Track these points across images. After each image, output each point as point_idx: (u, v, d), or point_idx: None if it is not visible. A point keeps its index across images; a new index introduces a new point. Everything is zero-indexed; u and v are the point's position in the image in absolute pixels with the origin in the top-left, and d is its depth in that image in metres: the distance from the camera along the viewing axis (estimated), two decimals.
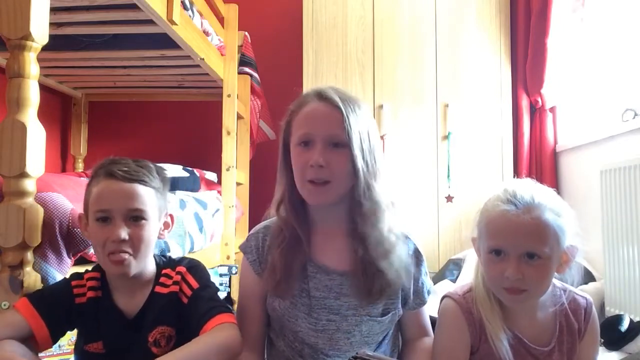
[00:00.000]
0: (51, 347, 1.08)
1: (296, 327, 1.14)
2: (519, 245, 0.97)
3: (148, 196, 1.09)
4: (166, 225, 1.17)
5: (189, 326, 1.07)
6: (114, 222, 1.05)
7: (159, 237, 1.15)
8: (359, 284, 1.11)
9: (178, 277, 1.12)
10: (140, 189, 1.08)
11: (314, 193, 1.10)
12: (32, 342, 1.04)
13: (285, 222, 1.15)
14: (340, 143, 1.08)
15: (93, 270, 1.15)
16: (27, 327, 1.02)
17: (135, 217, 1.06)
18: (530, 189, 1.01)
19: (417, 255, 1.20)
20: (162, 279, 1.13)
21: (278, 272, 1.12)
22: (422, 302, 1.21)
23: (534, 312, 1.04)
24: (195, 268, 1.15)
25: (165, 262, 1.18)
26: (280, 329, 1.19)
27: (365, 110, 1.14)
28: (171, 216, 1.19)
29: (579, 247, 1.00)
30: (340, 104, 1.09)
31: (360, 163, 1.08)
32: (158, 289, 1.12)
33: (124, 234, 1.04)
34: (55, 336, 1.07)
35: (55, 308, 1.06)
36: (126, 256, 1.05)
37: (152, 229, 1.09)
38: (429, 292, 1.22)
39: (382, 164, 1.14)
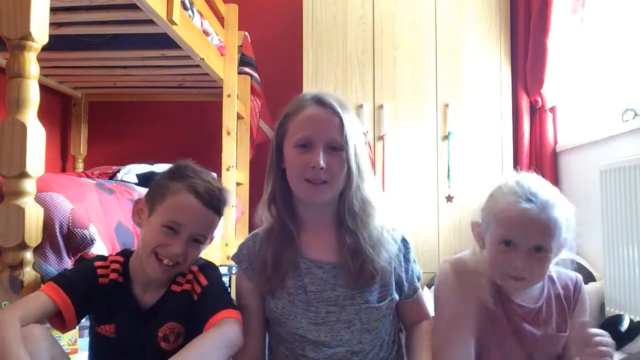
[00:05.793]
0: (75, 327, 1.12)
1: (296, 324, 1.16)
2: (532, 240, 1.04)
3: (215, 225, 1.18)
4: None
5: (198, 323, 1.11)
6: (179, 237, 1.11)
7: None
8: (348, 271, 1.15)
9: (191, 276, 1.18)
10: (214, 217, 1.16)
11: (312, 191, 1.14)
12: (54, 323, 1.08)
13: (277, 219, 1.19)
14: (338, 147, 1.14)
15: (118, 254, 1.20)
16: (54, 306, 1.04)
17: (197, 240, 1.14)
18: (544, 187, 1.07)
19: (404, 244, 1.24)
20: (178, 278, 1.18)
21: (269, 268, 1.16)
22: (416, 288, 1.25)
23: None
24: (207, 267, 1.20)
25: None
26: (278, 332, 1.21)
27: (354, 113, 1.21)
28: (211, 239, 1.24)
29: (569, 238, 1.08)
30: (340, 110, 1.15)
31: (353, 165, 1.14)
32: (174, 287, 1.17)
33: (180, 250, 1.10)
34: (80, 316, 1.11)
35: (80, 287, 1.10)
36: (172, 270, 1.13)
37: (202, 251, 1.19)
38: (419, 278, 1.27)
39: (368, 165, 1.21)
